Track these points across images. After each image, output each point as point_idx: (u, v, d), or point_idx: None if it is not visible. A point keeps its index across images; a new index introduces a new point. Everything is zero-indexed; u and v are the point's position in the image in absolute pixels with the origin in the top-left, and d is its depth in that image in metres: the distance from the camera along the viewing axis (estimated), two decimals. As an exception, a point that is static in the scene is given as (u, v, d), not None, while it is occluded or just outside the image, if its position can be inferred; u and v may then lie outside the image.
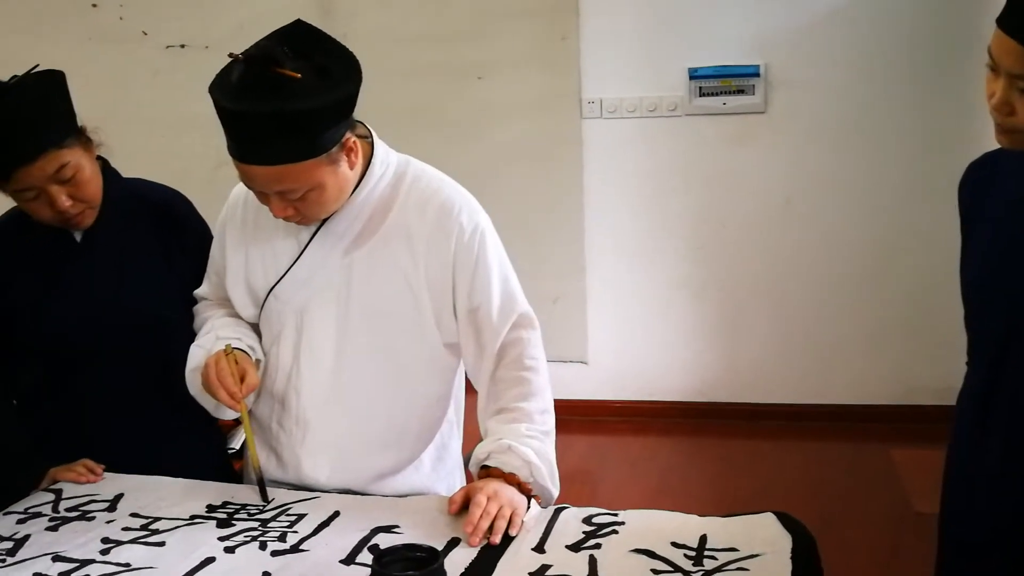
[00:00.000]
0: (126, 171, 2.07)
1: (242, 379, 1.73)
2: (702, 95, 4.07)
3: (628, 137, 4.18)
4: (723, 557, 1.44)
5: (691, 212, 4.19)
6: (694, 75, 4.06)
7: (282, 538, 1.55)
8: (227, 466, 2.18)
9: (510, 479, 1.61)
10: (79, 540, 1.58)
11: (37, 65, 1.88)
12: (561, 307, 4.21)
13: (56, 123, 1.85)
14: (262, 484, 1.74)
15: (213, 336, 1.80)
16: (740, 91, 4.03)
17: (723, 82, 4.05)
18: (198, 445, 2.11)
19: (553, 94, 4.18)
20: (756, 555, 1.43)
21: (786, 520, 1.54)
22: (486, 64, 4.20)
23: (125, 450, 1.91)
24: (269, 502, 1.71)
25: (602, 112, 4.18)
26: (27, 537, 1.61)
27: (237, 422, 2.71)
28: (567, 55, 4.15)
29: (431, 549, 1.16)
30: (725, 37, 4.04)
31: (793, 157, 4.06)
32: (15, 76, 1.84)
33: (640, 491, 3.53)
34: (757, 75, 4.00)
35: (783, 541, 1.47)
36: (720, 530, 1.52)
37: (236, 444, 2.73)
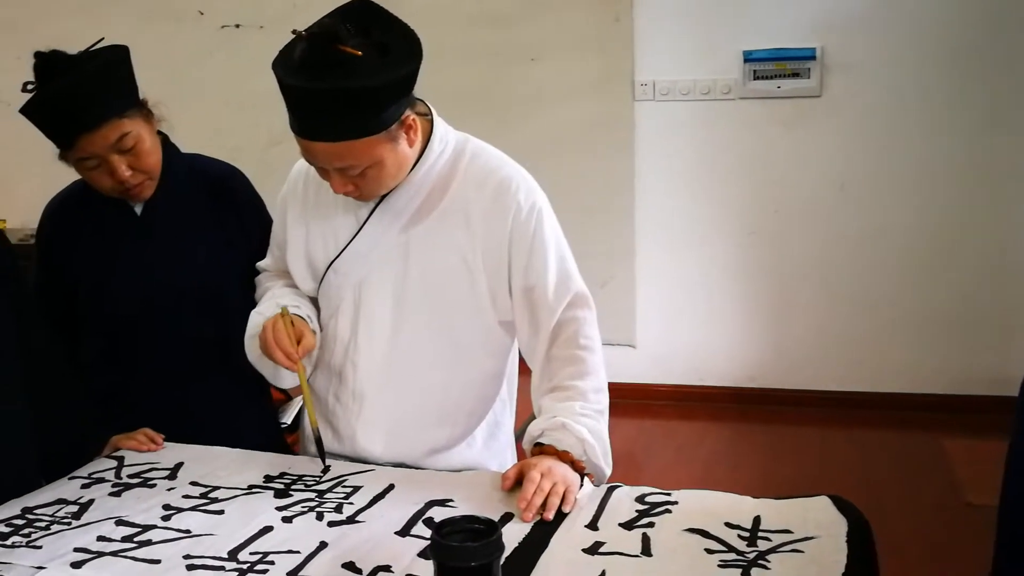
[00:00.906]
0: (181, 148, 2.10)
1: (299, 341, 1.75)
2: (756, 78, 4.04)
3: (680, 120, 4.15)
4: (777, 539, 1.43)
5: (743, 196, 4.15)
6: (749, 58, 4.02)
7: (338, 509, 1.57)
8: (280, 440, 2.22)
9: (563, 457, 1.62)
10: (141, 506, 1.61)
11: (103, 39, 1.92)
12: (610, 290, 4.20)
13: (119, 94, 1.88)
14: (320, 445, 1.77)
15: (273, 304, 1.83)
16: (795, 74, 3.99)
17: (778, 65, 4.00)
18: (252, 419, 2.15)
19: (606, 76, 4.17)
20: (811, 537, 1.43)
21: (841, 504, 1.52)
22: (539, 46, 4.20)
23: (179, 422, 1.95)
24: (327, 465, 1.73)
25: (655, 94, 4.16)
26: (91, 501, 1.64)
27: (288, 396, 2.77)
28: (620, 37, 4.13)
29: (489, 521, 1.17)
30: (781, 20, 3.99)
31: (848, 142, 4.01)
32: (83, 51, 1.88)
33: (687, 475, 3.53)
34: (813, 58, 3.95)
35: (838, 525, 1.46)
36: (774, 512, 1.52)
37: (288, 419, 2.78)
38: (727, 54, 4.06)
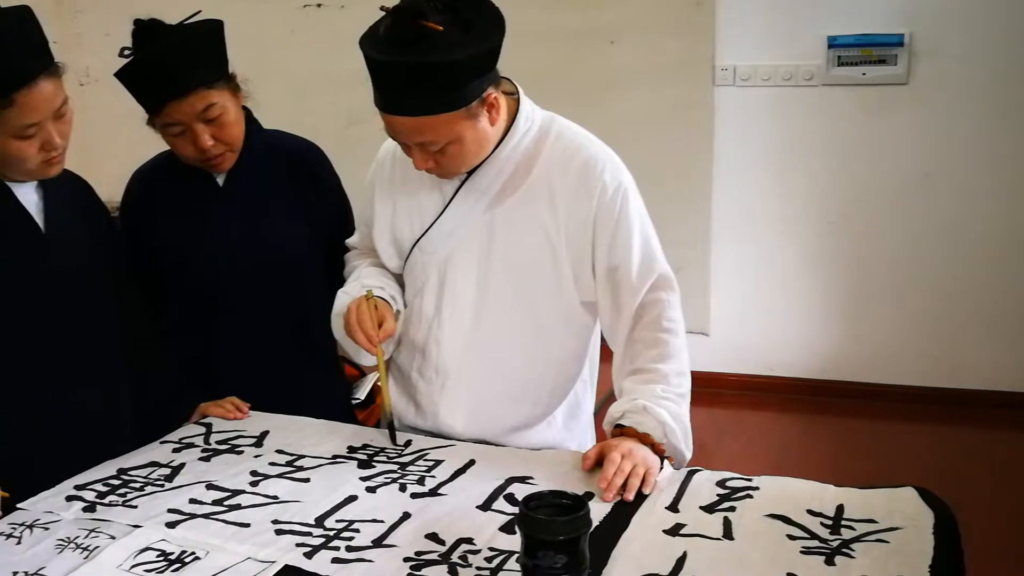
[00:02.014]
0: (262, 125, 2.13)
1: (380, 325, 1.77)
2: (840, 64, 3.96)
3: (761, 106, 4.09)
4: (861, 528, 1.42)
5: (823, 185, 4.08)
6: (833, 43, 3.94)
7: (420, 481, 1.60)
8: (352, 417, 2.24)
9: (644, 439, 1.62)
10: (230, 471, 1.66)
11: (199, 12, 1.96)
12: (684, 276, 4.11)
13: (209, 65, 1.92)
14: (392, 428, 1.79)
15: (359, 284, 1.86)
16: (881, 61, 3.90)
17: (863, 51, 3.92)
18: (326, 393, 2.19)
19: (686, 60, 4.12)
20: (896, 528, 1.41)
21: (927, 496, 1.50)
22: (619, 28, 4.17)
23: (255, 392, 1.98)
24: (398, 446, 1.76)
25: (735, 80, 4.11)
26: (182, 465, 1.69)
27: (362, 372, 2.80)
28: (702, 20, 4.08)
29: (577, 496, 1.18)
30: (868, 4, 3.90)
31: (935, 131, 3.91)
32: (180, 22, 1.92)
33: (757, 466, 3.46)
34: (900, 44, 3.86)
35: (925, 516, 1.44)
36: (858, 501, 1.50)
37: (360, 395, 2.81)
38: (811, 39, 3.98)
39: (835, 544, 1.37)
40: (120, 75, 1.90)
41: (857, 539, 1.39)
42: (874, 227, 4.05)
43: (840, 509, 1.48)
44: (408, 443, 1.77)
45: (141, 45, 1.89)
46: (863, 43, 3.91)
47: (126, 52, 1.90)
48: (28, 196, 1.71)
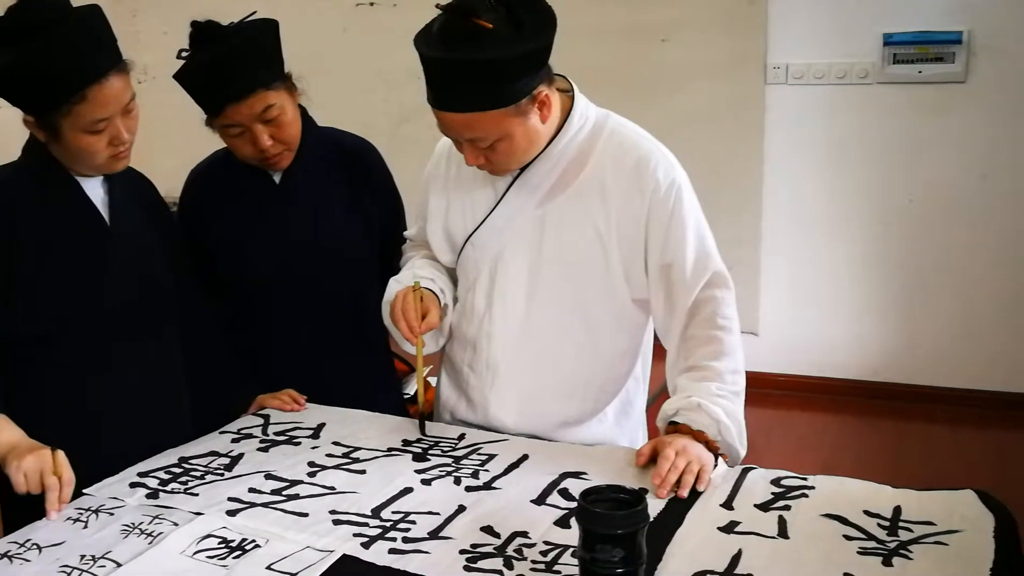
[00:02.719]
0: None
1: (424, 316, 1.79)
2: (896, 62, 3.91)
3: (814, 104, 4.06)
4: (919, 530, 1.40)
5: (877, 185, 4.03)
6: (889, 41, 3.89)
7: (475, 475, 1.61)
8: (403, 409, 2.26)
9: (698, 436, 1.62)
10: (288, 462, 1.69)
11: (255, 12, 1.99)
12: (733, 275, 4.06)
13: (267, 66, 1.94)
14: (422, 421, 1.81)
15: (411, 274, 1.88)
16: (938, 59, 3.84)
17: (920, 49, 3.86)
18: (379, 387, 2.21)
19: (737, 58, 4.10)
20: (955, 531, 1.39)
21: (987, 499, 1.48)
22: (670, 26, 4.16)
23: (309, 384, 2.01)
24: (427, 436, 1.78)
25: (787, 78, 4.07)
26: (241, 455, 1.73)
27: (411, 368, 2.82)
28: (754, 18, 4.05)
29: (635, 491, 1.18)
30: (925, 0, 3.84)
31: (993, 131, 3.85)
32: (233, 22, 1.94)
33: (808, 467, 3.43)
34: (959, 42, 3.80)
35: (984, 520, 1.42)
36: (915, 503, 1.49)
37: (410, 390, 2.83)
38: (866, 37, 3.94)
39: (893, 545, 1.36)
40: (179, 77, 1.93)
41: (915, 541, 1.37)
42: (930, 229, 3.99)
43: (897, 511, 1.46)
44: (462, 436, 1.79)
45: (199, 47, 1.92)
46: (920, 40, 3.85)
47: (183, 54, 1.93)
48: (94, 190, 1.76)
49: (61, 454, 1.54)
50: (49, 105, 1.61)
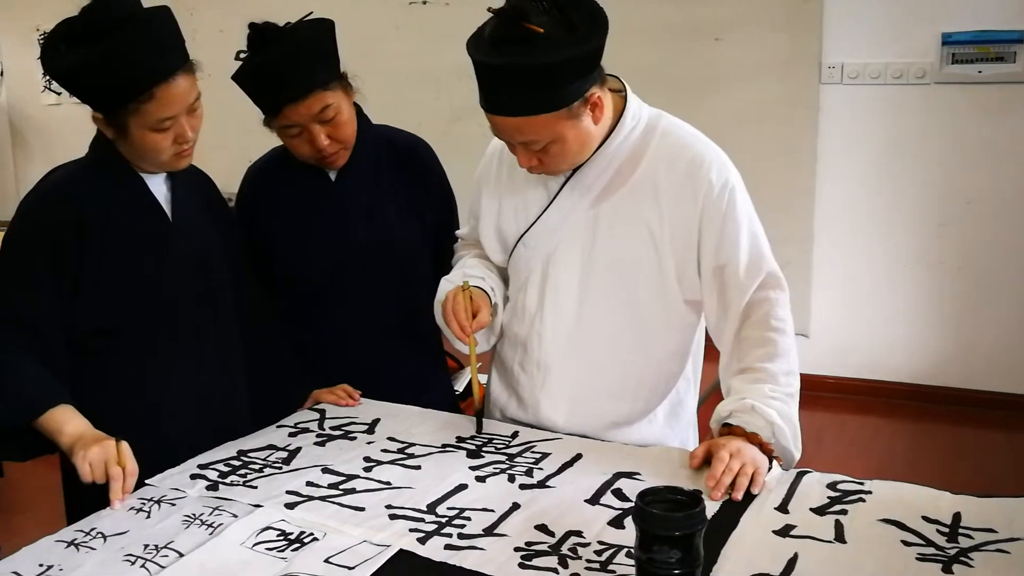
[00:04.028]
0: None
1: (475, 315, 1.80)
2: (955, 62, 3.85)
3: (869, 104, 4.01)
4: (980, 537, 1.39)
5: (934, 186, 3.98)
6: (947, 40, 3.84)
7: (529, 473, 1.62)
8: (455, 406, 2.29)
9: (752, 439, 1.61)
10: (344, 456, 1.71)
11: (311, 12, 2.01)
12: (785, 275, 4.09)
13: (324, 66, 1.96)
14: (479, 418, 1.83)
15: (461, 273, 1.89)
16: (999, 58, 3.78)
17: (980, 48, 3.80)
18: (432, 383, 2.23)
19: (791, 57, 4.07)
20: (1017, 539, 1.37)
21: (1050, 507, 1.46)
22: (724, 25, 4.13)
23: (362, 379, 2.03)
24: (483, 434, 1.79)
25: (843, 77, 4.03)
26: (299, 449, 1.75)
27: (460, 365, 2.84)
28: (809, 16, 4.02)
29: (693, 493, 1.18)
30: (984, -1, 3.79)
31: (1055, 131, 3.78)
32: (289, 23, 1.97)
33: (861, 471, 3.39)
34: (1020, 41, 3.74)
35: (1047, 528, 1.40)
36: (975, 509, 1.47)
37: (460, 387, 2.85)
38: (923, 36, 3.88)
39: (952, 552, 1.35)
40: (237, 79, 1.96)
41: (975, 548, 1.36)
42: (988, 231, 3.93)
43: (957, 517, 1.44)
44: (515, 434, 1.80)
45: (256, 49, 1.95)
46: (979, 40, 3.79)
47: (241, 56, 1.96)
48: (158, 187, 1.79)
49: (125, 445, 1.58)
50: (118, 103, 1.64)
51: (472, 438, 1.78)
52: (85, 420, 1.63)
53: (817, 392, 4.07)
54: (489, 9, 1.63)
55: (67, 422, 1.62)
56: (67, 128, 5.23)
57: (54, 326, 1.68)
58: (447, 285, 1.89)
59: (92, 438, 1.58)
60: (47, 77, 5.60)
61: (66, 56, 1.64)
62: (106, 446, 1.56)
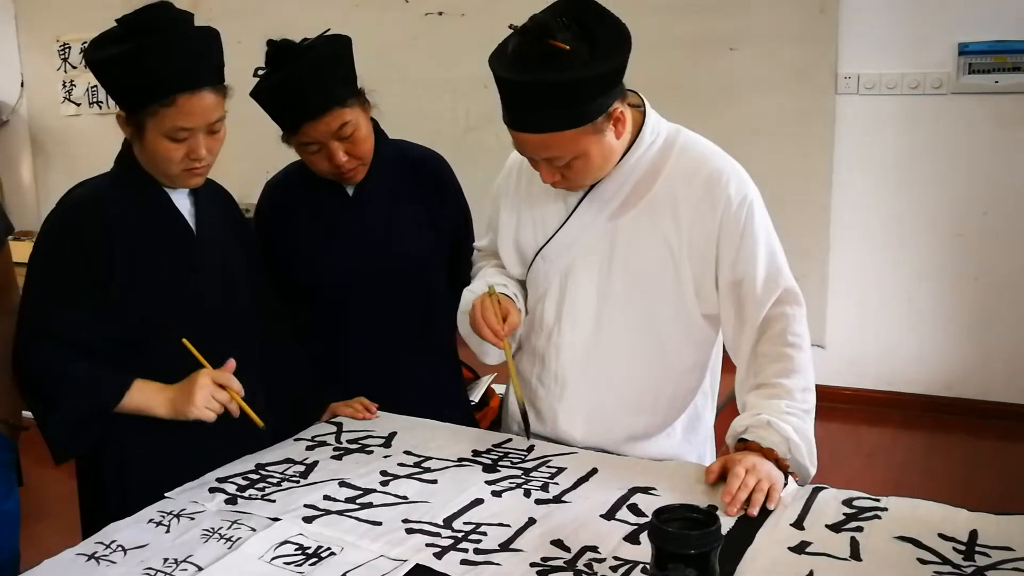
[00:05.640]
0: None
1: (504, 319, 1.81)
2: (972, 72, 3.84)
3: (885, 115, 4.00)
4: (997, 555, 1.38)
5: (950, 197, 3.96)
6: (964, 50, 3.83)
7: (544, 488, 1.63)
8: (470, 417, 2.29)
9: (768, 454, 1.61)
10: (361, 470, 1.72)
11: (328, 29, 2.03)
12: (800, 287, 4.08)
13: (341, 83, 1.97)
14: (525, 417, 1.83)
15: (483, 283, 1.90)
16: (1016, 68, 3.77)
17: (997, 58, 3.79)
18: (449, 395, 2.24)
19: (807, 68, 4.07)
20: (1034, 557, 1.37)
21: (1068, 524, 1.46)
22: (739, 36, 4.14)
23: (379, 392, 2.04)
24: (532, 443, 1.80)
25: (859, 88, 4.02)
26: (316, 463, 1.76)
27: (476, 375, 2.85)
28: (825, 27, 4.01)
29: (709, 511, 1.19)
30: (1001, 9, 3.79)
31: (1072, 142, 3.76)
32: (306, 39, 1.98)
33: (877, 484, 3.37)
34: (1037, 51, 3.72)
35: (1066, 546, 1.40)
36: (992, 527, 1.46)
37: (475, 397, 2.86)
38: (940, 46, 3.87)
39: (969, 571, 1.34)
40: (256, 96, 1.98)
41: (992, 567, 1.35)
42: (1005, 241, 3.91)
43: (973, 535, 1.44)
44: (531, 448, 1.80)
45: (274, 66, 1.96)
46: (996, 50, 3.78)
47: (259, 72, 1.98)
48: (182, 201, 1.81)
49: (208, 370, 1.70)
50: (141, 102, 1.66)
51: (488, 451, 1.79)
52: (159, 384, 1.71)
53: (833, 403, 4.05)
54: (511, 26, 1.64)
55: (151, 398, 1.70)
56: (86, 139, 5.28)
57: (97, 337, 1.71)
58: (470, 295, 1.90)
59: (183, 396, 1.68)
60: (67, 88, 5.68)
61: (107, 48, 1.67)
62: (199, 391, 1.66)
